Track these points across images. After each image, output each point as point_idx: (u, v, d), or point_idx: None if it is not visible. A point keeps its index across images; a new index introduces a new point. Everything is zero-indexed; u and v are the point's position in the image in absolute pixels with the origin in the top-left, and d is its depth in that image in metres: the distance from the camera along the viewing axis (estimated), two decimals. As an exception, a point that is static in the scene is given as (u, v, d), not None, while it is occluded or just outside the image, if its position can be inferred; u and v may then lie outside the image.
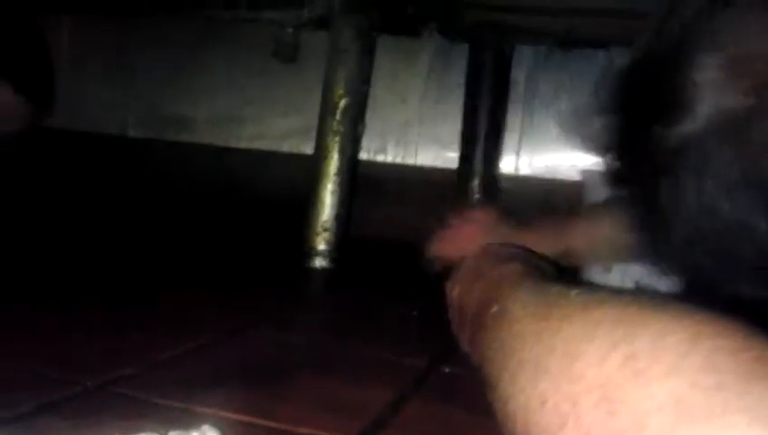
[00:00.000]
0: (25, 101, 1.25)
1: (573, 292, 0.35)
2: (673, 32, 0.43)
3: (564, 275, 0.43)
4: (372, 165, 1.28)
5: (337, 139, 1.01)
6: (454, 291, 0.57)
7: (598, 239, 0.79)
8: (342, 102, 1.01)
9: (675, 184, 0.41)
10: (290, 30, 1.14)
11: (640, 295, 0.34)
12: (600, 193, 0.86)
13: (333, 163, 1.00)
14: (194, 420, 0.41)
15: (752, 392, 0.23)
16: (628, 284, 0.81)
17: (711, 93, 0.40)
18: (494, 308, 0.42)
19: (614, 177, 0.49)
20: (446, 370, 0.59)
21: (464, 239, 0.82)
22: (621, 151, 0.47)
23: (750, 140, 0.38)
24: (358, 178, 1.08)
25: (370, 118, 1.16)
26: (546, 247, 0.70)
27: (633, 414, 0.24)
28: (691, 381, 0.24)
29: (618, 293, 0.35)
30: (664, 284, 0.80)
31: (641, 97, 0.45)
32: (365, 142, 1.20)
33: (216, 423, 0.40)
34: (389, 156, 1.30)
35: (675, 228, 0.42)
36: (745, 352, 0.25)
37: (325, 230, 0.98)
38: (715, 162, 0.39)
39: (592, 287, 0.48)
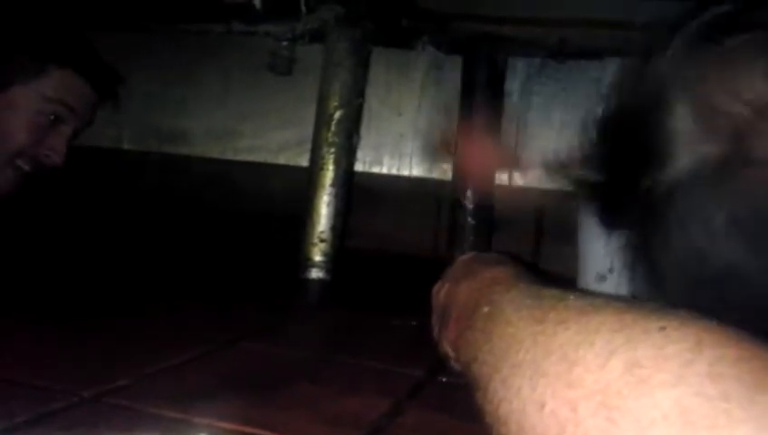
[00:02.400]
0: (91, 89, 1.16)
1: (570, 296, 0.35)
2: (650, 77, 0.45)
3: (556, 281, 0.43)
4: (368, 177, 1.28)
5: (332, 150, 1.01)
6: (441, 292, 0.57)
7: None
8: (337, 114, 1.02)
9: (663, 232, 0.42)
10: (285, 43, 1.15)
11: (637, 303, 0.34)
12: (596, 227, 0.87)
13: (329, 175, 1.01)
14: (189, 431, 0.41)
15: (756, 402, 0.23)
16: (624, 293, 0.80)
17: (689, 142, 0.41)
18: (485, 309, 0.42)
19: (605, 218, 0.52)
20: (443, 379, 0.59)
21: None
22: (609, 195, 0.49)
23: (731, 186, 0.39)
24: (354, 189, 1.08)
25: (366, 130, 1.17)
26: None
27: (635, 422, 0.24)
28: (696, 390, 0.24)
29: (614, 299, 0.34)
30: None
31: (625, 145, 0.47)
32: (360, 154, 1.21)
33: (211, 433, 0.40)
34: (385, 168, 1.31)
35: (667, 275, 0.43)
36: (749, 362, 0.25)
37: (321, 241, 0.99)
38: (698, 210, 0.41)
39: (588, 293, 0.48)
